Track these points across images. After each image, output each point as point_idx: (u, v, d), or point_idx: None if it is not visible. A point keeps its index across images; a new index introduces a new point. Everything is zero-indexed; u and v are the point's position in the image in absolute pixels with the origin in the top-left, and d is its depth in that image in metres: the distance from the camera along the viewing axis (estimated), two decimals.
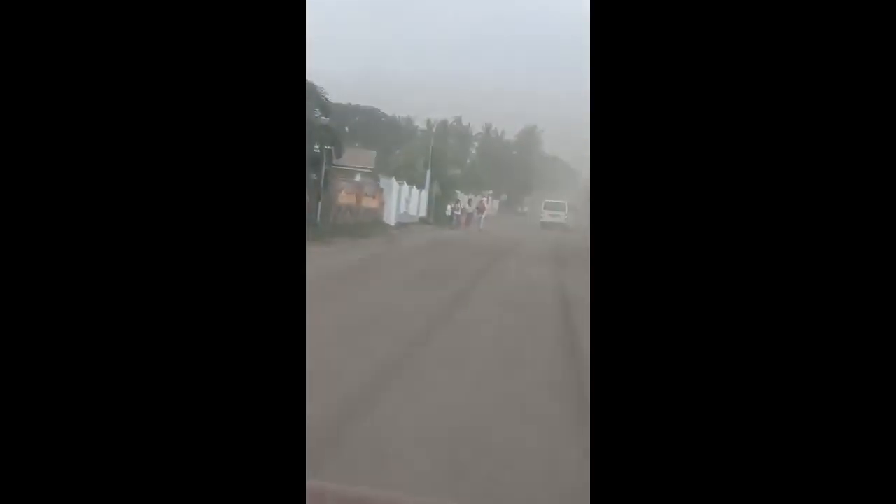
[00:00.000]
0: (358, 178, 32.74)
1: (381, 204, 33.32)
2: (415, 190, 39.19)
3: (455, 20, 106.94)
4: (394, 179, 35.22)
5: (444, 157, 46.53)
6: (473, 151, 74.46)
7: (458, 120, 73.91)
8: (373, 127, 43.66)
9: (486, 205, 43.28)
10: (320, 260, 15.88)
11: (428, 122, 62.98)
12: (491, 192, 63.46)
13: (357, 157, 33.77)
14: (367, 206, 31.43)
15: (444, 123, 68.54)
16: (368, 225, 29.08)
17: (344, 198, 28.67)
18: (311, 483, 0.93)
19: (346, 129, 40.40)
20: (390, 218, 33.48)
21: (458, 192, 44.32)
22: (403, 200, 36.69)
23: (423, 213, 38.78)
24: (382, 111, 46.54)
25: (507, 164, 74.60)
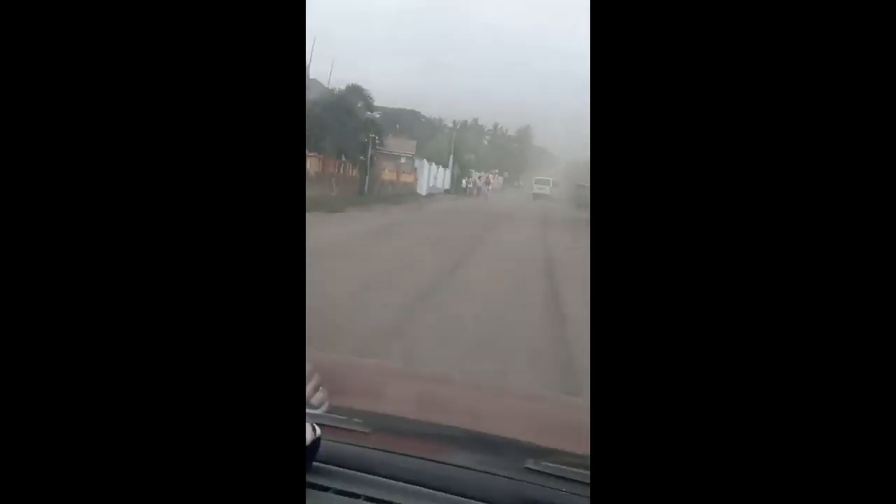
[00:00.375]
0: (402, 160, 32.87)
1: (416, 179, 33.24)
2: (441, 169, 39.75)
3: (476, 49, 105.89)
4: (425, 161, 35.33)
5: (463, 147, 48.41)
6: (485, 143, 77.53)
7: (476, 120, 77.21)
8: (414, 124, 45.80)
9: (491, 180, 44.01)
10: (365, 220, 16.24)
11: (453, 122, 65.08)
12: (497, 171, 66.23)
13: (402, 146, 34.31)
14: (404, 181, 31.15)
15: (465, 123, 71.36)
16: (405, 195, 28.70)
17: (386, 174, 28.32)
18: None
19: (396, 125, 41.81)
20: (422, 190, 33.44)
21: (472, 171, 45.30)
22: (432, 177, 36.91)
23: (447, 186, 39.36)
24: (422, 113, 48.77)
25: (509, 152, 78.58)
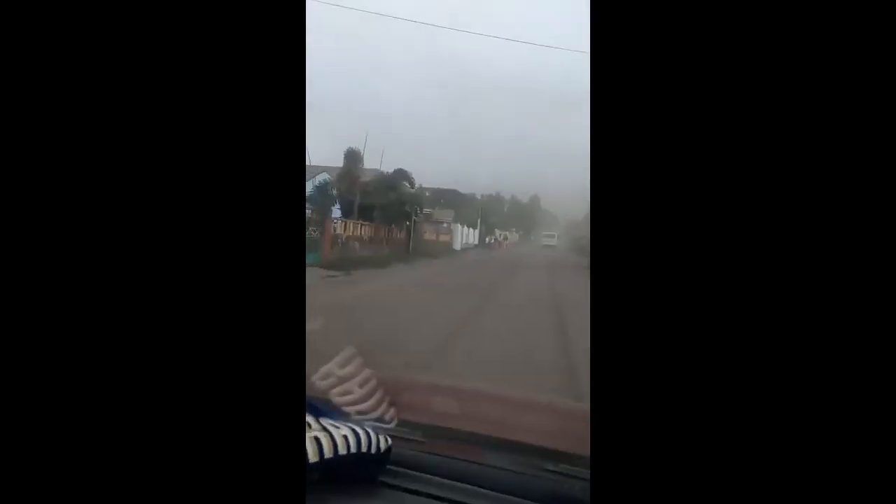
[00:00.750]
0: (442, 224, 31.45)
1: (452, 238, 31.42)
2: (471, 230, 38.40)
3: (495, 141, 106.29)
4: (458, 225, 33.81)
5: (488, 212, 49.11)
6: (505, 209, 77.18)
7: (498, 193, 77.12)
8: (454, 198, 43.90)
9: (508, 236, 44.29)
10: (408, 273, 14.56)
11: (481, 195, 65.53)
12: (514, 229, 68.91)
13: (443, 214, 33.79)
14: (443, 240, 29.29)
15: (490, 195, 71.84)
16: (443, 251, 26.94)
17: (428, 235, 26.57)
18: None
19: (441, 200, 40.77)
20: (457, 246, 31.71)
21: (496, 230, 44.27)
22: (465, 236, 35.46)
23: (476, 242, 38.02)
24: (458, 190, 47.05)
25: (522, 215, 79.90)
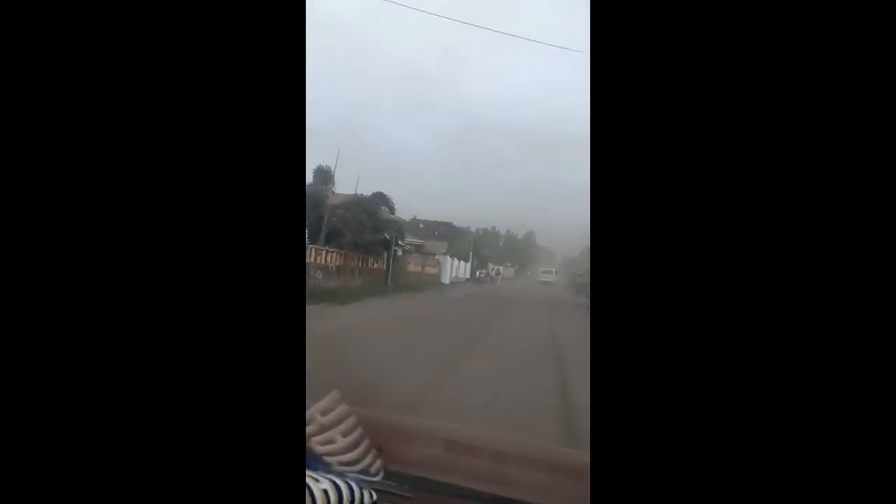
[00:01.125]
0: (427, 256, 29.08)
1: (440, 271, 28.80)
2: (462, 262, 35.68)
3: (491, 175, 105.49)
4: (447, 256, 31.14)
5: (481, 245, 47.29)
6: (501, 244, 76.74)
7: (494, 227, 77.64)
8: (448, 230, 43.34)
9: (501, 271, 40.21)
10: (382, 307, 12.57)
11: (476, 229, 64.77)
12: (509, 264, 66.92)
13: (436, 246, 32.78)
14: (429, 272, 26.74)
15: (486, 229, 71.50)
16: (429, 284, 24.27)
17: (412, 267, 23.92)
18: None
19: (436, 232, 40.05)
20: (446, 279, 28.94)
21: (489, 264, 41.49)
22: (455, 269, 32.67)
23: (468, 276, 35.07)
24: (453, 223, 46.75)
25: (518, 250, 79.28)
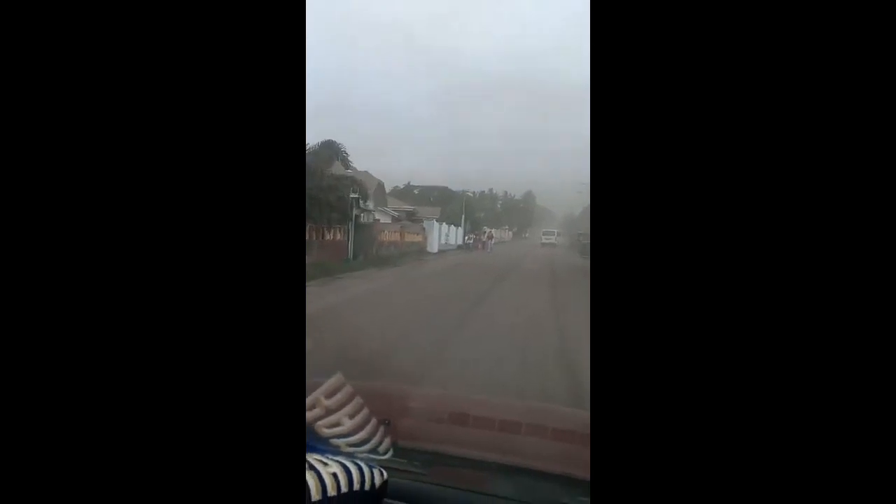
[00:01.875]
0: (407, 222, 25.48)
1: (425, 239, 24.82)
2: (454, 228, 31.65)
3: (488, 138, 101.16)
4: (434, 222, 27.10)
5: (474, 207, 43.10)
6: (499, 206, 73.19)
7: (491, 189, 74.41)
8: (442, 195, 41.11)
9: (494, 235, 34.44)
10: (352, 288, 9.88)
11: (472, 192, 61.27)
12: (507, 226, 64.68)
13: (429, 211, 30.14)
14: (411, 241, 22.66)
15: (482, 192, 68.42)
16: (411, 254, 20.57)
17: (387, 236, 19.73)
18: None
19: (430, 198, 38.09)
20: (433, 247, 25.10)
21: (485, 227, 36.98)
22: (444, 235, 28.73)
23: (460, 242, 31.06)
24: (449, 187, 44.83)
25: (516, 212, 75.18)
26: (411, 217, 26.15)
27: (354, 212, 15.56)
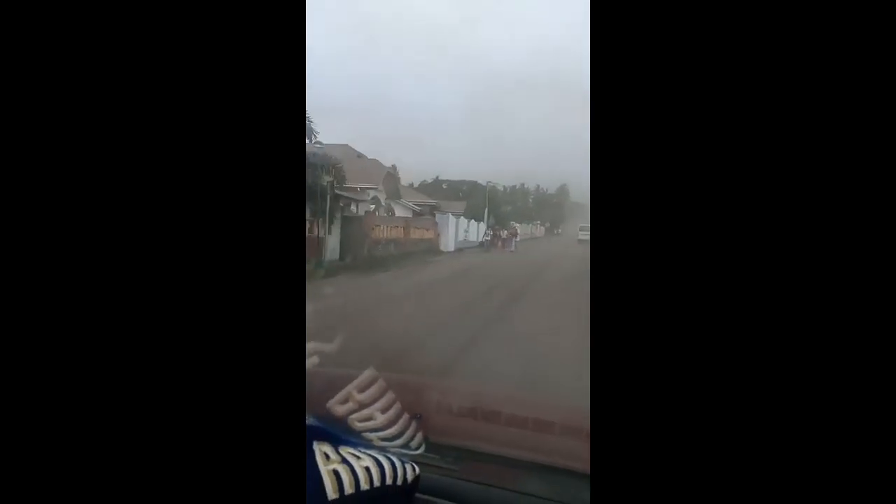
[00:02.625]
0: (412, 215, 22.33)
1: (437, 235, 21.04)
2: (474, 223, 27.69)
3: (518, 133, 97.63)
4: (450, 215, 23.29)
5: (500, 201, 39.93)
6: (530, 201, 70.54)
7: (523, 184, 72.02)
8: (472, 190, 39.25)
9: (517, 231, 29.01)
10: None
11: (504, 187, 59.55)
12: (539, 221, 61.73)
13: (453, 206, 27.50)
14: (418, 238, 19.06)
15: (513, 187, 66.40)
16: (418, 254, 17.10)
17: (383, 233, 16.04)
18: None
19: (459, 193, 36.74)
20: (449, 245, 21.39)
21: (512, 222, 32.91)
22: (462, 231, 24.87)
23: (482, 239, 26.67)
24: (478, 181, 43.02)
25: (549, 206, 72.34)
26: (435, 211, 23.20)
27: (336, 203, 12.10)
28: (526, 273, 12.78)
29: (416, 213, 22.28)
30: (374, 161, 22.78)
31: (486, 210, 30.29)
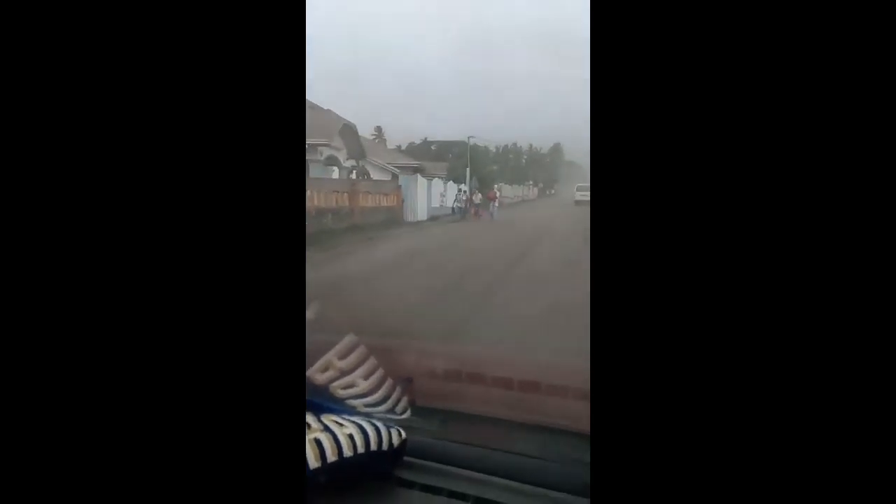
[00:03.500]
0: (400, 180, 18.15)
1: (400, 202, 16.93)
2: (451, 185, 22.97)
3: (512, 90, 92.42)
4: (418, 176, 19.18)
5: (486, 160, 36.22)
6: (523, 161, 66.28)
7: (515, 143, 67.65)
8: (462, 150, 35.74)
9: (498, 195, 22.13)
10: None
11: (496, 147, 55.81)
12: (531, 181, 57.85)
13: (435, 167, 25.29)
14: (374, 206, 15.06)
15: (505, 146, 62.27)
16: (369, 227, 13.20)
17: (320, 200, 12.07)
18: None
19: (450, 154, 34.53)
20: (416, 214, 17.31)
21: (496, 184, 28.38)
22: (437, 195, 20.63)
23: (461, 205, 22.08)
24: (469, 142, 37.08)
25: (542, 166, 68.33)
26: (418, 173, 19.67)
27: None
28: (508, 254, 8.87)
29: (394, 176, 18.97)
30: (328, 112, 18.61)
31: (468, 171, 26.09)
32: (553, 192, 64.40)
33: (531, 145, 72.35)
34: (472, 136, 36.24)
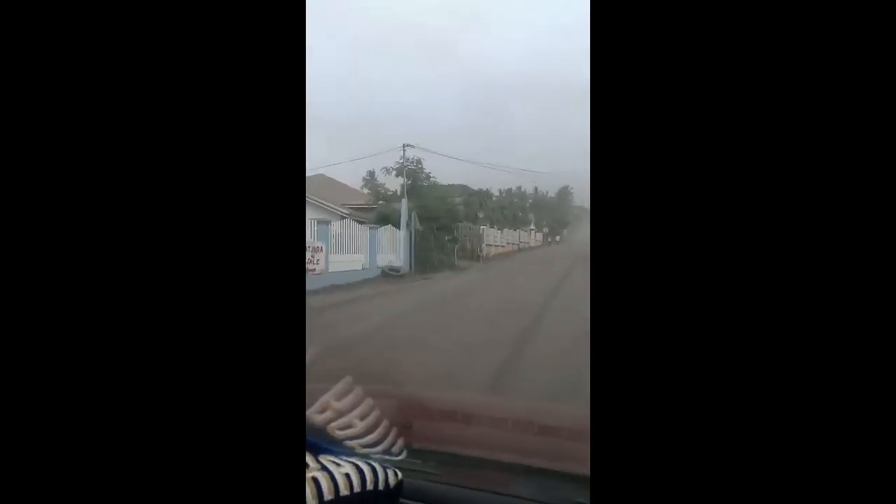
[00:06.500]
0: (314, 237, 15.61)
1: (321, 262, 14.88)
2: (390, 233, 18.77)
3: (524, 141, 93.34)
4: (315, 224, 14.15)
5: (479, 206, 33.25)
6: (528, 204, 62.38)
7: (519, 187, 64.37)
8: (463, 194, 35.25)
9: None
10: None
11: (499, 190, 52.37)
12: (532, 226, 55.13)
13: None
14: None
15: (509, 190, 58.44)
16: None
17: None
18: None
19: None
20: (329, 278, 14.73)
21: (481, 227, 27.20)
22: (383, 249, 17.91)
23: (396, 262, 18.21)
24: (469, 186, 38.23)
25: (548, 210, 66.23)
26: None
27: None
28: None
29: (342, 218, 17.22)
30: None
31: (409, 214, 18.63)
32: (558, 239, 61.92)
33: (536, 188, 71.04)
34: (501, 187, 35.77)
